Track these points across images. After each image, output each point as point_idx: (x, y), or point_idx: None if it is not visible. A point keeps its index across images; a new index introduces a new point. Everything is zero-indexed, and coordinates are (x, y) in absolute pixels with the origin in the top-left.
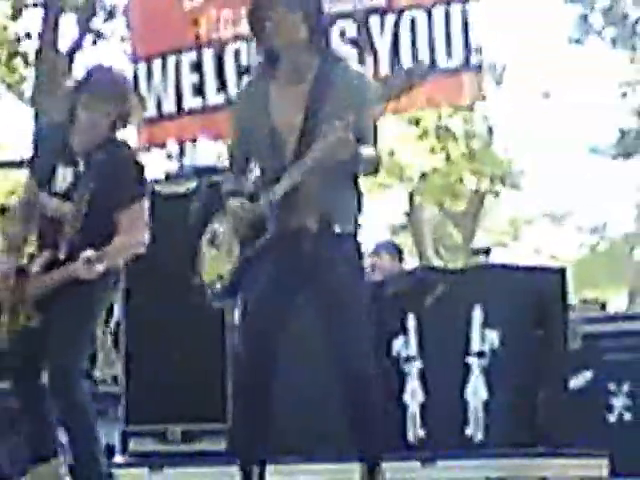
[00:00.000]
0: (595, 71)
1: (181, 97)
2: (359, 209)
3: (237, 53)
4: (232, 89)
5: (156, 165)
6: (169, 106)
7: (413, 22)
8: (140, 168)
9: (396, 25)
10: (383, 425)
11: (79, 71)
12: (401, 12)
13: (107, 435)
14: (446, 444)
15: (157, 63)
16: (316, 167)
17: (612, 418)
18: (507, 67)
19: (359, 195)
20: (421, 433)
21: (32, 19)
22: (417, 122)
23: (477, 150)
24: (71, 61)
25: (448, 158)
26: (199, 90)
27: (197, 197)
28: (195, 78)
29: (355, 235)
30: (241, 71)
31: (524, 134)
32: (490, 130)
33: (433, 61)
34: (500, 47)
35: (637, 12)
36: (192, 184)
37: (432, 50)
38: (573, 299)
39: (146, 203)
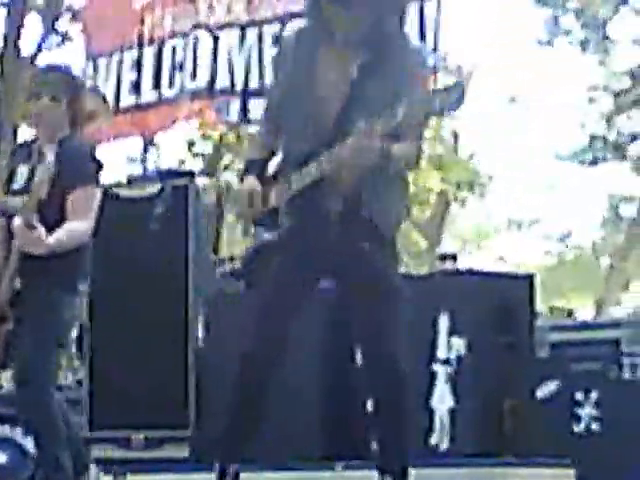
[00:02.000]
0: (564, 75)
1: (119, 95)
2: (403, 202)
3: (174, 50)
4: (165, 87)
5: (119, 168)
6: (125, 100)
7: None
8: (95, 160)
9: None
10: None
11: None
12: None
13: None
14: (411, 453)
15: (103, 61)
16: (335, 170)
17: (579, 428)
18: (474, 70)
19: (402, 185)
20: None
21: None
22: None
23: (443, 156)
24: (34, 62)
25: None
26: (136, 88)
27: (160, 200)
28: (134, 76)
29: (391, 226)
30: (175, 68)
31: (490, 140)
32: (456, 136)
33: None
34: (467, 49)
35: (607, 14)
36: (155, 188)
37: None
38: (540, 307)
39: (96, 192)
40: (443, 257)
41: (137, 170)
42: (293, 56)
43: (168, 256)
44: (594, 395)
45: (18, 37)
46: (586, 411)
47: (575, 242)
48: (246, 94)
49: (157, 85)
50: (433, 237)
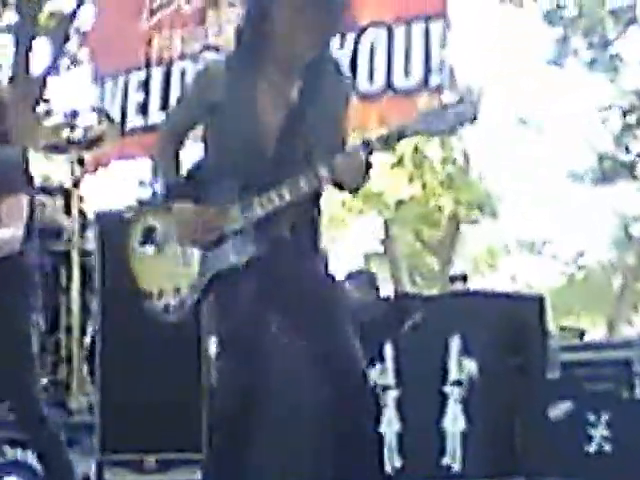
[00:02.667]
0: (573, 95)
1: (125, 117)
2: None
3: (183, 72)
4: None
5: (128, 191)
6: (133, 122)
7: (373, 41)
8: (24, 170)
9: (356, 43)
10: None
11: (53, 96)
12: (362, 31)
13: (82, 465)
14: (423, 474)
15: (109, 83)
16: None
17: (591, 448)
18: (484, 90)
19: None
20: (398, 463)
21: (4, 45)
22: (393, 149)
23: (454, 177)
24: (44, 86)
25: (424, 185)
26: (143, 109)
27: None
28: (141, 97)
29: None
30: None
31: (501, 160)
32: (466, 157)
33: (389, 80)
34: (476, 69)
35: (616, 34)
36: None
37: (389, 69)
38: (551, 328)
39: (24, 199)
40: (454, 278)
41: (147, 193)
42: (226, 79)
43: None
44: (606, 416)
45: (27, 61)
46: (598, 431)
47: (586, 262)
48: None
49: (165, 107)
50: (444, 258)
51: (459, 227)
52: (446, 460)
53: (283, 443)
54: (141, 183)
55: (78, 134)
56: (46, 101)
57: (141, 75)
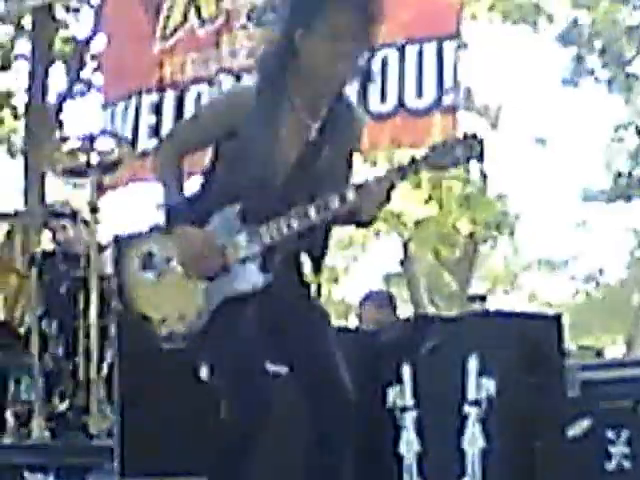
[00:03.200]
0: (589, 114)
1: (136, 139)
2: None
3: (199, 96)
4: None
5: (147, 215)
6: (144, 143)
7: (384, 61)
8: None
9: (368, 63)
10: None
11: (68, 121)
12: (374, 51)
13: None
14: None
15: (121, 106)
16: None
17: (611, 466)
18: (500, 110)
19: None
20: None
21: (21, 70)
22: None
23: (471, 197)
24: (60, 111)
25: (442, 206)
26: (156, 132)
27: None
28: (153, 120)
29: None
30: None
31: (518, 179)
32: (484, 176)
33: (401, 100)
34: (493, 89)
35: (632, 53)
36: None
37: (402, 89)
38: (570, 346)
39: None
40: (472, 298)
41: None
42: (251, 107)
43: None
44: (625, 433)
45: (44, 87)
46: (617, 449)
47: (604, 280)
48: None
49: None
50: (462, 278)
51: (477, 247)
52: None
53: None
54: (159, 206)
55: (95, 158)
56: (62, 126)
57: (153, 98)
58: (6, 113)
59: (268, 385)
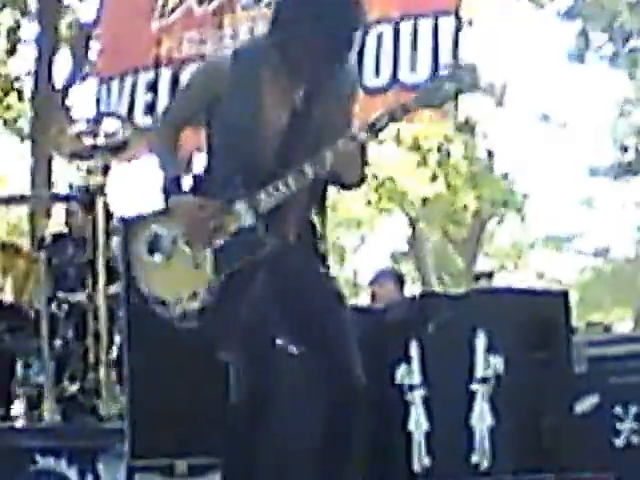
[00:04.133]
0: (595, 89)
1: (132, 117)
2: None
3: None
4: None
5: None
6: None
7: (379, 36)
8: None
9: (362, 39)
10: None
11: (75, 104)
12: (368, 27)
13: (113, 471)
14: (452, 472)
15: (116, 83)
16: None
17: (619, 442)
18: (506, 88)
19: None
20: (427, 462)
21: (27, 55)
22: (418, 148)
23: (478, 174)
24: (66, 95)
25: (449, 184)
26: (151, 109)
27: None
28: (149, 97)
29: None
30: None
31: (524, 157)
32: (490, 154)
33: (395, 75)
34: (498, 67)
35: (636, 27)
36: None
37: (395, 64)
38: (577, 322)
39: None
40: (479, 276)
41: None
42: (232, 72)
43: None
44: (633, 408)
45: (50, 71)
46: (625, 425)
47: (612, 256)
48: None
49: None
50: (470, 256)
51: (484, 225)
52: (475, 458)
53: (284, 458)
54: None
55: (102, 141)
56: (69, 110)
57: (150, 75)
58: (13, 97)
59: (279, 358)
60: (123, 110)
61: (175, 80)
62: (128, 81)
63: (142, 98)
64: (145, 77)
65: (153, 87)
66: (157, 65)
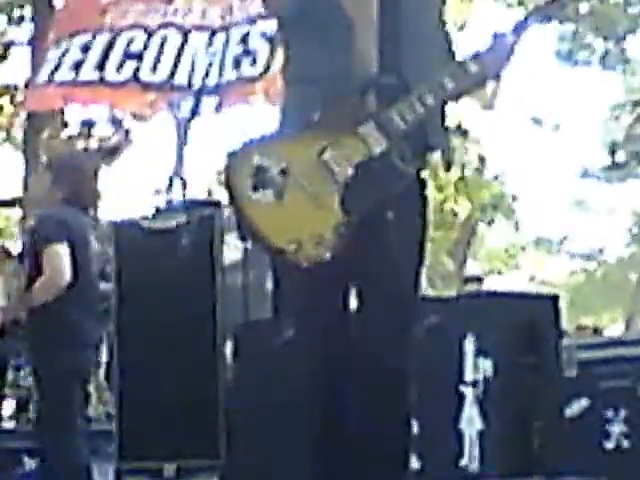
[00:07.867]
0: (586, 92)
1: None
2: None
3: (130, 41)
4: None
5: (145, 200)
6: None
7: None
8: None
9: None
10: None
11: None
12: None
13: (101, 473)
14: (441, 476)
15: (54, 49)
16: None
17: (609, 445)
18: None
19: None
20: (416, 465)
21: (19, 58)
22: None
23: (468, 178)
24: None
25: (440, 187)
26: (76, 68)
27: (187, 231)
28: (78, 56)
29: None
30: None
31: (515, 159)
32: (482, 159)
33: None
34: None
35: (626, 28)
36: (181, 218)
37: None
38: (568, 326)
39: (63, 247)
40: (468, 279)
41: (163, 201)
42: None
43: (195, 287)
44: (623, 412)
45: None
46: (616, 428)
47: (603, 258)
48: (201, 93)
49: (102, 68)
50: (461, 259)
51: (475, 228)
52: (464, 461)
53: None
54: (157, 192)
55: (94, 144)
56: (62, 113)
57: (84, 39)
58: (6, 102)
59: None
60: (50, 67)
61: (110, 45)
62: (64, 44)
63: (72, 57)
64: (79, 40)
65: (85, 48)
66: (96, 31)
